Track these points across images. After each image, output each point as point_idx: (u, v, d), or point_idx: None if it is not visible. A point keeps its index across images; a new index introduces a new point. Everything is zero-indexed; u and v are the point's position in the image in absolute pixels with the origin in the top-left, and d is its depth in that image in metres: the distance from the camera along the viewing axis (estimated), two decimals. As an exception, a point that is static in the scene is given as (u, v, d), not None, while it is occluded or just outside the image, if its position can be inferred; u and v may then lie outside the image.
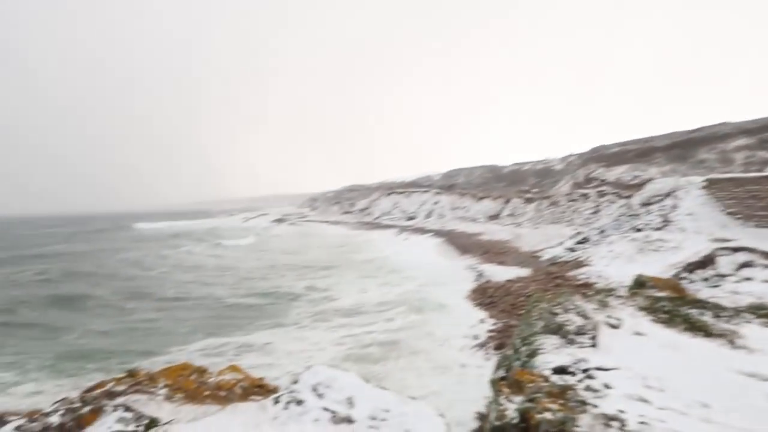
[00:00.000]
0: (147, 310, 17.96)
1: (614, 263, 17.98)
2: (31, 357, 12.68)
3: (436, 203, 62.28)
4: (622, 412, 2.87)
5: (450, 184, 71.45)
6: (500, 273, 19.46)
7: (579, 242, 22.14)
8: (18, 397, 10.06)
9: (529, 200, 44.74)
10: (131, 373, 4.00)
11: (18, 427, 2.89)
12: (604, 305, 5.26)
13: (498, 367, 4.45)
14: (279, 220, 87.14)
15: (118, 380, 3.87)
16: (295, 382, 3.53)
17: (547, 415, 2.79)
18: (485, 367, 9.86)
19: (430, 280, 20.64)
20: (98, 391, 3.67)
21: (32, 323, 16.59)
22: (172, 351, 12.83)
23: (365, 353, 11.62)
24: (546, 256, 22.48)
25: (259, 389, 4.16)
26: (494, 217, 46.87)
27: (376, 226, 59.15)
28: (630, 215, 21.53)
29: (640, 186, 26.03)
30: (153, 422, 2.96)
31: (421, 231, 45.38)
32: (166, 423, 2.96)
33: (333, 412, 3.17)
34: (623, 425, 2.73)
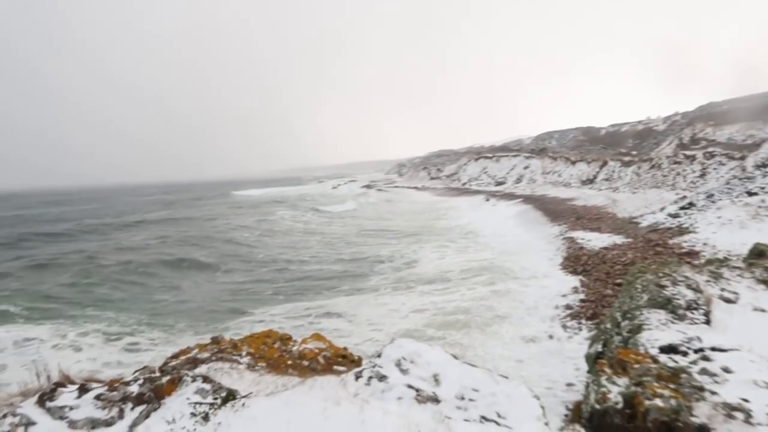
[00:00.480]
0: (241, 272, 18.77)
1: (723, 230, 16.60)
2: (132, 312, 13.66)
3: (526, 167, 60.42)
4: (746, 401, 2.47)
5: (541, 147, 68.89)
6: (594, 240, 18.51)
7: (683, 207, 20.59)
8: (117, 350, 10.82)
9: (627, 163, 42.24)
10: (215, 341, 4.03)
11: (98, 396, 2.95)
12: (717, 277, 4.65)
13: (594, 341, 4.09)
14: (367, 186, 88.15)
15: (202, 347, 3.89)
16: (378, 355, 3.33)
17: (658, 402, 2.44)
18: (576, 339, 9.41)
19: (518, 247, 20.06)
20: (183, 357, 3.70)
21: (135, 282, 17.81)
22: (256, 312, 13.31)
23: (448, 321, 11.44)
24: (645, 222, 21.12)
25: (341, 360, 4.05)
26: (589, 181, 44.76)
27: (463, 191, 58.36)
28: (743, 178, 19.74)
29: (755, 146, 23.71)
30: (231, 394, 2.91)
31: (510, 197, 44.22)
32: (244, 396, 2.91)
33: (417, 389, 2.96)
34: (749, 416, 2.34)
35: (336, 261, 20.53)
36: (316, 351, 4.01)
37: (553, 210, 30.74)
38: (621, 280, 12.94)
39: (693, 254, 14.53)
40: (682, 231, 17.74)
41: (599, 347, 3.75)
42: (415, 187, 75.87)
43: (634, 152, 50.73)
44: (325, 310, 13.30)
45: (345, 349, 4.29)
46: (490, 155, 73.07)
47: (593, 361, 3.51)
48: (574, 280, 13.57)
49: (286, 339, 4.29)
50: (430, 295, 13.96)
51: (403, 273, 17.32)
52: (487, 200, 43.63)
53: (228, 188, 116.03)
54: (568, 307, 11.49)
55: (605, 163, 45.41)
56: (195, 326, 12.14)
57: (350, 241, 25.96)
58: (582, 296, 12.09)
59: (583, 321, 10.45)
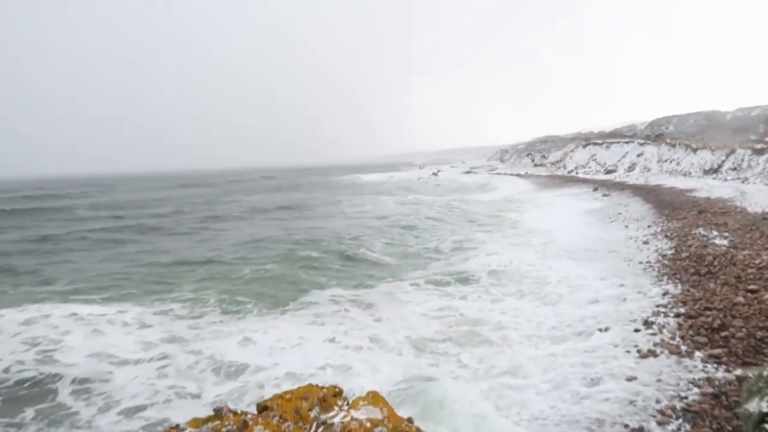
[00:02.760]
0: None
1: None
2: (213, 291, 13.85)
3: (640, 155, 56.12)
4: None
5: (657, 133, 63.65)
6: (720, 238, 16.36)
7: (833, 203, 17.74)
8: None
9: (759, 151, 37.71)
10: (217, 414, 2.95)
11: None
12: None
13: (751, 393, 2.92)
14: (468, 173, 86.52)
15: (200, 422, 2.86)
16: None
17: None
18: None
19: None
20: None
21: (228, 261, 18.05)
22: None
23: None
24: (784, 219, 18.46)
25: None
26: (712, 171, 40.59)
27: (569, 180, 55.22)
28: None
29: None
30: None
31: (621, 187, 41.14)
32: None
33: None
34: None
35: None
36: (368, 427, 2.94)
37: (671, 202, 27.99)
38: (755, 285, 11.15)
39: None
40: (832, 231, 15.21)
41: (765, 405, 2.62)
42: (519, 174, 73.04)
43: (766, 138, 45.45)
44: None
45: (410, 421, 3.17)
46: (599, 141, 68.69)
47: (756, 425, 2.45)
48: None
49: (328, 400, 3.19)
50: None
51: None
52: (596, 190, 40.80)
53: (339, 173, 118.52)
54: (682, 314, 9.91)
55: (732, 151, 40.92)
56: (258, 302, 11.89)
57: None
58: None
59: (703, 331, 8.90)
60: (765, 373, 2.99)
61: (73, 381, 7.97)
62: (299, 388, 3.29)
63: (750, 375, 3.27)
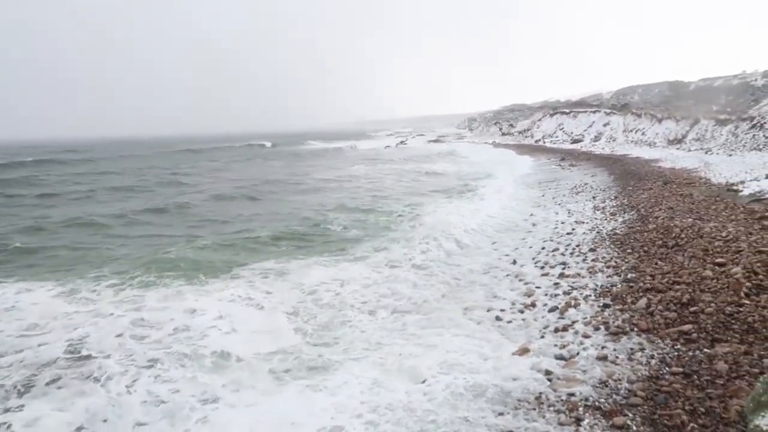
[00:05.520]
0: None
1: None
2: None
3: (606, 124, 56.66)
4: None
5: (623, 103, 64.12)
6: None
7: (795, 174, 17.99)
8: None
9: (722, 122, 38.29)
10: None
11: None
12: None
13: (759, 405, 2.55)
14: (435, 141, 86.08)
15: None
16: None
17: None
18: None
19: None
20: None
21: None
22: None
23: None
24: (747, 190, 18.66)
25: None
26: (677, 141, 41.15)
27: (536, 149, 55.39)
28: None
29: None
30: None
31: (587, 156, 41.37)
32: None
33: None
34: None
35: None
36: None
37: (636, 172, 28.19)
38: (722, 259, 11.13)
39: (809, 232, 12.41)
40: (794, 202, 15.40)
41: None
42: (486, 143, 72.98)
43: (729, 109, 46.16)
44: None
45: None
46: (566, 110, 68.99)
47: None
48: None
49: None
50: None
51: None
52: (563, 159, 40.94)
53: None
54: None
55: (697, 121, 41.49)
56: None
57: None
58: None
59: (672, 306, 8.76)
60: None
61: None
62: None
63: (758, 383, 2.95)
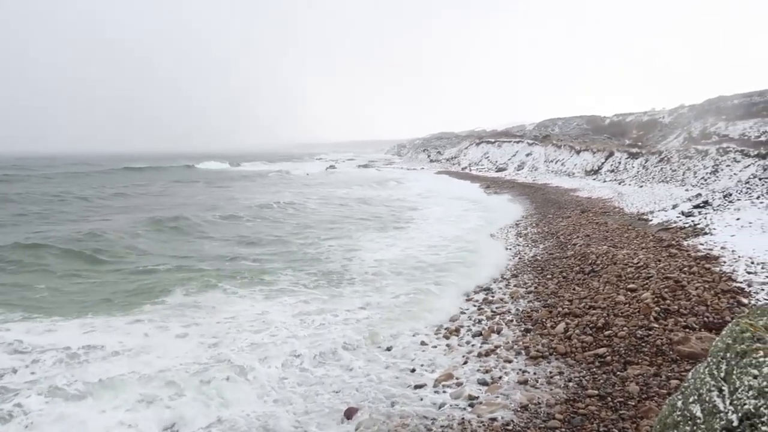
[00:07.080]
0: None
1: (743, 233, 15.36)
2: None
3: (528, 154, 59.05)
4: None
5: (545, 134, 67.12)
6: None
7: (697, 206, 19.31)
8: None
9: (634, 155, 40.81)
10: None
11: None
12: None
13: (665, 425, 2.60)
14: (364, 166, 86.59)
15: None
16: None
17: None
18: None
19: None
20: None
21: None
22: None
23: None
24: (655, 219, 19.85)
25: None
26: (593, 172, 43.40)
27: (463, 176, 56.90)
28: (764, 178, 18.40)
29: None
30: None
31: (511, 185, 42.90)
32: None
33: None
34: None
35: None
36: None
37: (556, 201, 29.48)
38: (633, 284, 11.73)
39: (711, 259, 13.29)
40: (696, 232, 16.48)
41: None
42: (415, 169, 74.32)
43: (639, 143, 49.26)
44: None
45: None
46: (492, 140, 71.53)
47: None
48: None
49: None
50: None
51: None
52: (488, 187, 42.23)
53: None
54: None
55: (611, 154, 43.99)
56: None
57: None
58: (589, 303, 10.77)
59: (588, 330, 9.14)
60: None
61: None
62: None
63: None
